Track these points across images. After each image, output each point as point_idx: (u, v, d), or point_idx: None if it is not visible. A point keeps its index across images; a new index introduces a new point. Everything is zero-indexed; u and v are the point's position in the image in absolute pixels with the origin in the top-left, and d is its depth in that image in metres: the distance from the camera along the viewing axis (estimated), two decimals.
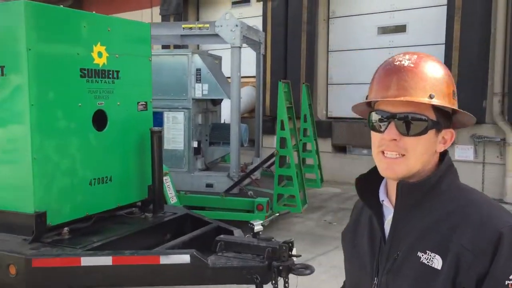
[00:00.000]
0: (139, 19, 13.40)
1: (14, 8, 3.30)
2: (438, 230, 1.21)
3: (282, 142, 6.09)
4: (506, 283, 1.10)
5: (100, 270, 3.21)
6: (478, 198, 1.26)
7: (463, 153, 8.59)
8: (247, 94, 10.75)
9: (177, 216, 4.28)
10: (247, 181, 7.01)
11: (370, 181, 1.39)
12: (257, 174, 7.64)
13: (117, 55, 3.99)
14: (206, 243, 3.62)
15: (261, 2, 10.86)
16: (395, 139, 1.23)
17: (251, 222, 3.60)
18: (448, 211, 1.23)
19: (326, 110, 10.76)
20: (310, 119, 7.71)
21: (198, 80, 6.69)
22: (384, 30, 9.88)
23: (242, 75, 10.81)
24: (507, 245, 1.11)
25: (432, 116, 1.24)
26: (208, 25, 6.54)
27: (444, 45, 8.53)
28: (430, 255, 1.20)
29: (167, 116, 6.81)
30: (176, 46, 9.68)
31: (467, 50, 8.19)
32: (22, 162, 3.38)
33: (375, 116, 1.29)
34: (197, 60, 6.66)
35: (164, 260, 3.25)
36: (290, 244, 3.33)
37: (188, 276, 3.26)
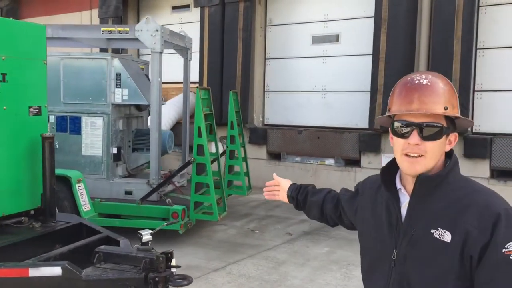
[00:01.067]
0: (78, 21, 13.09)
1: None
2: (449, 212, 1.55)
3: (199, 149, 6.00)
4: (503, 251, 1.45)
5: None
6: (481, 187, 1.61)
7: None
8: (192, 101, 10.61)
9: (69, 225, 4.11)
10: (170, 188, 6.89)
11: (388, 173, 1.73)
12: (183, 181, 7.54)
13: (3, 57, 3.81)
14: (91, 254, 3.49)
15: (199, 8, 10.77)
16: (417, 144, 1.56)
17: (139, 232, 3.50)
18: (456, 197, 1.57)
19: (263, 117, 10.76)
20: (236, 126, 7.64)
21: (118, 85, 6.53)
22: (318, 40, 9.98)
23: (173, 80, 10.72)
24: (503, 223, 1.47)
25: (444, 123, 1.58)
26: (128, 29, 6.41)
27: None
28: (441, 231, 1.55)
29: (85, 121, 6.61)
30: (115, 51, 9.49)
31: (392, 62, 8.36)
32: None
33: (399, 125, 1.60)
34: (117, 64, 6.50)
35: (34, 272, 3.09)
36: (169, 255, 3.23)
37: None
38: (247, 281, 4.98)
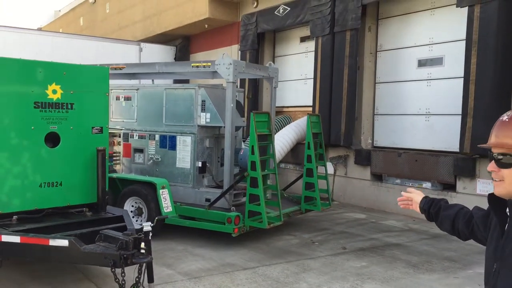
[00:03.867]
0: (228, 53, 15.07)
1: None
2: None
3: (253, 165, 6.92)
4: None
5: (13, 245, 4.54)
6: None
7: (484, 187, 8.37)
8: (301, 125, 11.58)
9: (113, 216, 5.48)
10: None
11: (498, 198, 1.99)
12: (267, 195, 8.47)
13: (72, 92, 5.38)
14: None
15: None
16: (494, 170, 1.90)
17: (143, 223, 4.67)
18: None
19: (372, 139, 11.05)
20: (313, 146, 8.30)
21: (203, 109, 7.85)
22: (423, 63, 10.00)
23: (300, 104, 11.81)
24: None
25: None
26: (210, 64, 7.70)
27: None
28: None
29: (179, 139, 8.07)
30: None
31: (481, 84, 8.08)
32: None
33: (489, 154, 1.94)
34: (203, 93, 7.84)
35: (52, 242, 4.47)
36: (138, 240, 4.30)
37: (66, 256, 4.44)
38: (262, 280, 5.72)
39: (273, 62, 14.22)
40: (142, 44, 17.40)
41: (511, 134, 1.83)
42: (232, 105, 7.54)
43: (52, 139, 5.30)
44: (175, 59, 17.74)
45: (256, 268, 6.15)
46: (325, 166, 8.81)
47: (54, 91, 5.25)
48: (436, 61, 9.77)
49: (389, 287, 5.58)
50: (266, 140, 7.23)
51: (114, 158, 8.84)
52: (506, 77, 7.93)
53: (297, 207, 8.43)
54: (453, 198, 8.92)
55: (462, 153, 8.49)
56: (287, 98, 13.65)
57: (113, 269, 4.30)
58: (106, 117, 5.78)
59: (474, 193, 8.59)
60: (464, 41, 8.60)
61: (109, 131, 8.78)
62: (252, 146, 6.93)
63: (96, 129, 5.64)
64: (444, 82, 9.59)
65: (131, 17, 19.70)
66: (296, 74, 13.32)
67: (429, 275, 6.01)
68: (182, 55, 17.76)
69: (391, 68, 10.69)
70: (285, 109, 13.67)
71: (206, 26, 15.83)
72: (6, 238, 4.56)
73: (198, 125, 7.88)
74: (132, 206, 7.74)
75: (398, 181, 10.03)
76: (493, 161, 1.86)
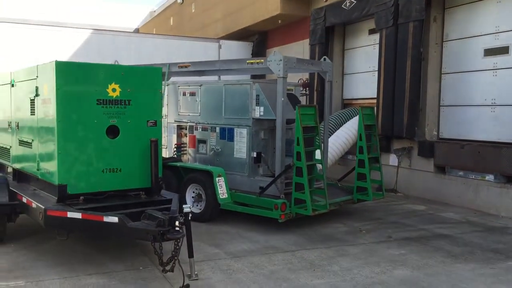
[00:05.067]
0: (301, 48, 15.51)
1: (50, 66, 5.77)
2: None
3: (298, 156, 7.33)
4: None
5: (76, 221, 5.40)
6: None
7: None
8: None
9: (164, 199, 6.21)
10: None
11: None
12: (320, 184, 8.82)
13: (129, 90, 6.15)
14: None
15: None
16: None
17: (183, 205, 5.33)
18: None
19: (437, 131, 10.92)
20: (365, 138, 8.49)
21: (257, 103, 8.38)
22: (489, 52, 9.72)
23: (368, 96, 12.00)
24: None
25: None
26: (262, 60, 8.19)
27: None
28: None
29: (236, 131, 8.67)
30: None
31: None
32: (52, 155, 5.82)
33: None
34: (257, 88, 8.36)
35: (105, 218, 5.26)
36: (173, 219, 4.94)
37: (116, 231, 5.20)
38: (298, 261, 6.13)
39: (343, 55, 14.40)
40: (221, 41, 18.31)
41: None
42: (282, 99, 7.97)
43: (113, 131, 6.10)
44: (252, 54, 18.43)
45: (296, 252, 6.58)
46: (378, 157, 8.96)
47: (114, 90, 6.04)
48: (502, 50, 9.47)
49: (418, 273, 5.76)
50: (312, 132, 7.60)
51: (182, 148, 9.67)
52: None
53: (350, 197, 8.70)
54: None
55: None
56: (357, 90, 13.77)
57: (153, 243, 4.98)
58: (160, 111, 6.50)
59: None
60: None
61: (178, 124, 9.70)
62: (298, 138, 7.35)
63: (151, 122, 6.37)
64: (510, 71, 9.28)
65: (213, 15, 20.70)
66: (365, 66, 13.39)
67: (465, 265, 6.08)
68: (259, 50, 18.40)
69: (457, 58, 10.49)
70: (354, 101, 13.81)
71: (279, 21, 16.32)
72: (70, 214, 5.42)
73: (253, 118, 8.42)
74: (193, 192, 8.49)
75: (461, 173, 9.88)
76: None
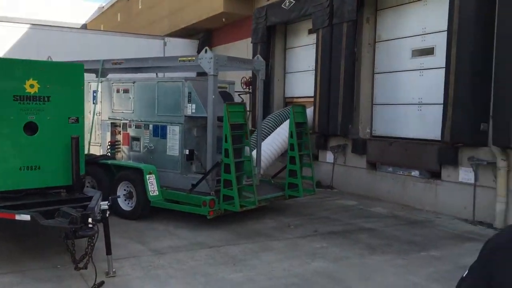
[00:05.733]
0: (245, 46, 15.57)
1: None
2: None
3: (226, 153, 7.42)
4: None
5: None
6: None
7: (465, 175, 8.51)
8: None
9: (85, 197, 6.15)
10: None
11: None
12: (250, 181, 8.92)
13: (48, 86, 6.06)
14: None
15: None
16: None
17: (101, 203, 5.31)
18: None
19: (371, 129, 11.27)
20: (296, 135, 8.69)
21: (189, 101, 8.41)
22: (416, 53, 10.12)
23: (308, 95, 12.12)
24: None
25: None
26: (194, 58, 8.24)
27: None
28: None
29: (169, 128, 8.67)
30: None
31: (461, 74, 8.20)
32: None
33: None
34: (189, 85, 8.39)
35: (18, 217, 5.18)
36: (86, 216, 4.92)
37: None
38: (220, 257, 6.22)
39: (285, 54, 14.62)
40: (166, 39, 18.18)
41: None
42: (213, 96, 8.04)
43: (31, 128, 6.00)
44: (198, 52, 18.40)
45: (220, 247, 6.67)
46: (310, 154, 9.17)
47: (32, 86, 5.94)
48: (428, 51, 9.87)
49: (334, 265, 5.97)
50: (241, 129, 7.70)
51: (116, 146, 9.58)
52: (483, 66, 8.00)
53: (281, 193, 8.87)
54: (438, 186, 9.09)
55: (443, 142, 8.64)
56: (298, 89, 14.01)
57: (65, 240, 4.95)
58: (82, 108, 6.43)
59: (457, 181, 8.73)
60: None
61: (111, 121, 9.60)
62: (225, 135, 7.44)
63: (72, 119, 6.30)
64: (435, 71, 9.68)
65: (159, 12, 20.55)
66: (305, 66, 13.64)
67: (381, 257, 6.33)
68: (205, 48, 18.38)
69: (388, 59, 10.86)
70: (295, 100, 14.04)
71: (223, 19, 16.38)
72: None
73: (185, 116, 8.44)
74: (125, 190, 8.43)
75: (390, 169, 10.25)
76: None
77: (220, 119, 8.39)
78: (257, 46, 14.30)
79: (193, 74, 13.99)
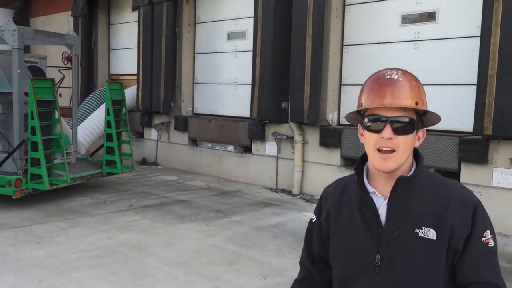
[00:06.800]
0: (66, 18, 14.72)
1: None
2: (430, 210, 1.59)
3: (33, 130, 7.21)
4: (482, 239, 1.57)
5: None
6: (449, 181, 1.70)
7: (271, 149, 9.41)
8: (131, 93, 12.00)
9: None
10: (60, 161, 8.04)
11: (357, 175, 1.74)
12: (70, 159, 8.77)
13: None
14: None
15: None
16: (390, 138, 1.57)
17: None
18: (433, 194, 1.62)
19: (192, 107, 11.73)
20: (112, 113, 8.73)
21: None
22: (231, 36, 10.77)
23: (133, 73, 11.97)
24: (479, 213, 1.59)
25: (415, 118, 1.61)
26: None
27: None
28: (426, 230, 1.58)
29: None
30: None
31: (263, 58, 9.01)
32: None
33: (372, 120, 1.60)
34: None
35: None
36: None
37: None
38: (23, 236, 6.11)
39: (109, 29, 14.31)
40: None
41: (410, 94, 1.58)
42: (19, 71, 7.67)
43: None
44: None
45: (26, 227, 6.52)
46: (128, 131, 9.29)
47: None
48: (241, 35, 10.57)
49: (141, 235, 6.27)
50: (50, 106, 7.51)
51: None
52: (284, 51, 8.88)
53: (99, 171, 8.87)
54: (249, 159, 9.92)
55: (252, 119, 9.44)
56: (123, 66, 13.85)
57: None
58: None
59: (264, 154, 9.63)
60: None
61: None
62: (32, 112, 7.20)
63: None
64: (247, 54, 10.42)
65: None
66: (129, 43, 13.53)
67: (188, 225, 6.81)
68: (21, 19, 17.00)
69: (207, 40, 11.35)
70: (120, 77, 13.86)
71: None
72: None
73: None
74: None
75: (209, 145, 10.85)
76: (388, 126, 1.57)
77: (27, 95, 8.07)
78: (78, 20, 13.76)
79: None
